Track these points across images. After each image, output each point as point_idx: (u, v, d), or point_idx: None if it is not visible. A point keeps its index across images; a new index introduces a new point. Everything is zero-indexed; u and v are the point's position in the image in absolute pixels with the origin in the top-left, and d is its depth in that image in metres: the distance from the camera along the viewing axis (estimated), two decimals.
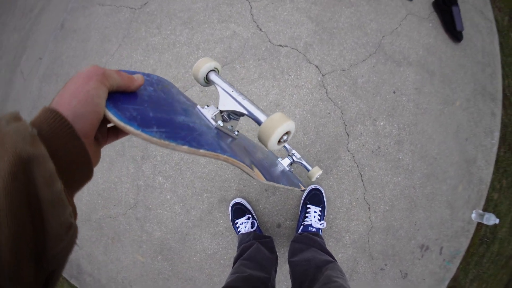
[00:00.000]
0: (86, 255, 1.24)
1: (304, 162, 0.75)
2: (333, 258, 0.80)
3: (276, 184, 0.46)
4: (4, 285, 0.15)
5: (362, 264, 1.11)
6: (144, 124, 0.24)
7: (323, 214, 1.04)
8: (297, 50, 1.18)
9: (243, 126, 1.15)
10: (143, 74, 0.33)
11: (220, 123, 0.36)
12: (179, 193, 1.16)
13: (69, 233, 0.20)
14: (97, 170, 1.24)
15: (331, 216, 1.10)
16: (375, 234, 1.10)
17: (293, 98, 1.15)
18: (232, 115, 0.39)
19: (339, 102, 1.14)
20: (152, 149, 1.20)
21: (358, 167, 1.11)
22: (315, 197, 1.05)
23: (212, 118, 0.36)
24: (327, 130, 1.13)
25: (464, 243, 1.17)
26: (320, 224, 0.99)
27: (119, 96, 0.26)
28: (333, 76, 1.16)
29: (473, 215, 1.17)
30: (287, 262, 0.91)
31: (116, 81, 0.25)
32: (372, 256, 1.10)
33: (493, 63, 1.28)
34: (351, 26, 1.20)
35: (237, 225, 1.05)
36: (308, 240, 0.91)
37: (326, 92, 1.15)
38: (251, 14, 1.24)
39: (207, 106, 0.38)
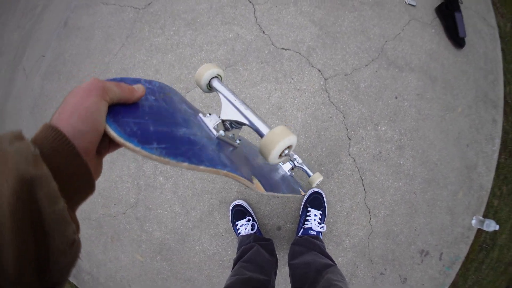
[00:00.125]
0: (85, 253, 1.24)
1: (305, 168, 0.75)
2: (333, 261, 0.80)
3: (276, 194, 0.46)
4: None
5: (362, 268, 1.11)
6: (144, 140, 0.24)
7: (323, 217, 1.04)
8: (300, 53, 1.18)
9: (246, 129, 1.15)
10: (145, 81, 0.33)
11: (222, 132, 0.36)
12: (180, 193, 1.16)
13: (73, 249, 0.20)
14: None
15: (332, 220, 1.10)
16: (375, 239, 1.10)
17: (296, 101, 1.16)
18: (235, 124, 0.38)
19: (341, 106, 1.14)
20: None
21: (359, 171, 1.11)
22: (315, 201, 1.05)
23: (214, 128, 0.36)
24: (329, 134, 1.13)
25: (464, 249, 1.17)
26: (321, 228, 0.99)
27: (120, 108, 0.26)
28: (336, 80, 1.16)
29: (473, 221, 1.17)
30: (287, 264, 0.91)
31: (116, 94, 0.25)
32: (372, 261, 1.10)
33: (495, 70, 1.29)
34: (354, 30, 1.20)
35: (237, 227, 1.05)
36: (308, 243, 0.91)
37: (328, 96, 1.15)
38: (255, 17, 1.24)
39: (209, 114, 0.37)
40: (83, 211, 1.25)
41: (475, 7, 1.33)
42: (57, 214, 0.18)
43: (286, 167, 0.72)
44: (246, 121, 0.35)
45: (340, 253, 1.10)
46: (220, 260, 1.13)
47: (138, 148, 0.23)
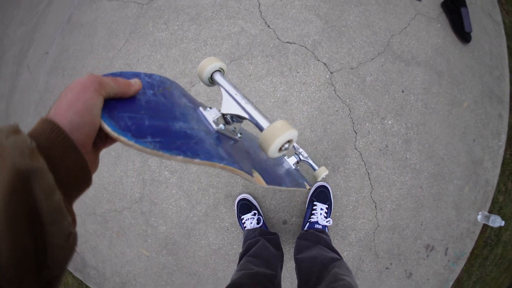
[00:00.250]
0: (91, 248, 1.24)
1: (310, 161, 0.74)
2: (339, 255, 0.80)
3: (278, 187, 0.45)
4: None
5: (367, 262, 1.10)
6: (138, 134, 0.24)
7: (329, 211, 1.04)
8: (305, 47, 1.18)
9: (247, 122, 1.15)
10: (145, 75, 0.33)
11: (222, 126, 0.36)
12: (185, 188, 1.16)
13: (69, 241, 0.20)
14: (103, 164, 1.24)
15: (338, 214, 1.10)
16: (381, 233, 1.10)
17: (301, 95, 1.15)
18: (235, 118, 0.38)
19: (347, 100, 1.14)
20: None
21: (365, 165, 1.11)
22: (321, 194, 1.05)
23: (213, 121, 0.36)
24: (335, 127, 1.13)
25: (469, 244, 1.16)
26: (327, 222, 0.99)
27: (116, 103, 0.26)
28: (342, 74, 1.16)
29: (479, 217, 1.16)
30: (292, 258, 0.91)
31: (112, 88, 0.25)
32: (378, 255, 1.10)
33: (500, 66, 1.28)
34: (360, 24, 1.20)
35: (242, 221, 1.05)
36: (314, 237, 0.91)
37: (334, 90, 1.15)
38: (260, 11, 1.23)
39: (210, 108, 0.37)
40: (88, 206, 1.25)
41: (481, 3, 1.33)
42: (53, 207, 0.18)
43: (291, 161, 0.72)
44: (246, 115, 0.34)
45: (346, 247, 1.10)
46: (226, 254, 1.13)
47: (131, 142, 0.23)
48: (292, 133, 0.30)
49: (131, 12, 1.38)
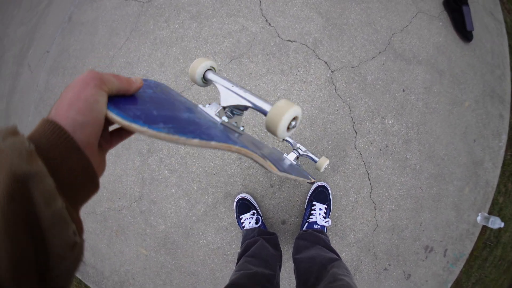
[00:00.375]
0: (90, 247, 1.24)
1: (310, 154, 0.74)
2: (338, 255, 0.80)
3: (289, 175, 0.45)
4: None
5: (366, 263, 1.10)
6: (149, 121, 0.23)
7: (328, 211, 1.04)
8: (306, 45, 1.17)
9: (250, 121, 1.14)
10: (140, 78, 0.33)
11: (225, 118, 0.36)
12: (184, 187, 1.16)
13: (74, 251, 0.19)
14: None
15: (337, 214, 1.09)
16: (380, 234, 1.10)
17: (302, 94, 1.15)
18: (236, 111, 0.38)
19: (348, 99, 1.13)
20: (158, 142, 1.20)
21: (365, 165, 1.10)
22: (321, 194, 1.04)
23: (216, 114, 0.35)
24: (335, 127, 1.12)
25: (469, 246, 1.16)
26: (325, 222, 0.98)
27: (119, 99, 0.25)
28: (342, 72, 1.15)
29: (479, 218, 1.16)
30: (291, 259, 0.91)
31: (114, 85, 0.24)
32: (376, 256, 1.10)
33: (502, 65, 1.27)
34: (361, 22, 1.19)
35: (241, 221, 1.05)
36: (312, 238, 0.90)
37: (335, 89, 1.14)
38: (260, 9, 1.23)
39: (209, 104, 0.37)
40: (87, 205, 1.25)
41: (482, 1, 1.31)
42: (54, 214, 0.17)
43: (291, 157, 0.71)
44: (247, 103, 0.34)
45: (345, 248, 1.10)
46: (224, 254, 1.13)
47: (144, 128, 0.21)
48: (297, 109, 0.29)
49: (131, 10, 1.38)
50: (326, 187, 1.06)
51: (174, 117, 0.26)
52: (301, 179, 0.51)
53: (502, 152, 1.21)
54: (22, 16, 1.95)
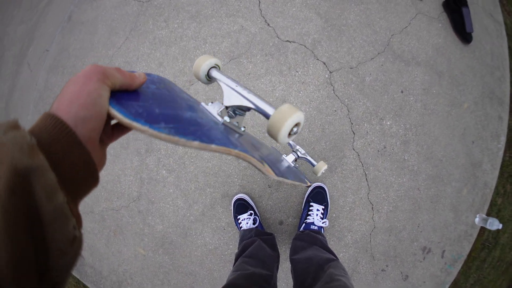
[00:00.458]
0: (88, 247, 1.24)
1: (309, 157, 0.74)
2: (335, 256, 0.80)
3: (285, 180, 0.45)
4: None
5: (363, 264, 1.10)
6: (151, 120, 0.22)
7: (326, 212, 1.04)
8: (305, 46, 1.17)
9: (248, 122, 1.14)
10: (144, 72, 0.33)
11: (227, 118, 0.36)
12: (182, 187, 1.16)
13: (73, 246, 0.19)
14: None
15: (334, 215, 1.09)
16: (377, 235, 1.10)
17: (300, 94, 1.15)
18: (238, 111, 0.38)
19: (346, 100, 1.13)
20: (156, 142, 1.20)
21: (363, 166, 1.10)
22: (318, 195, 1.04)
23: (218, 114, 0.35)
24: (333, 128, 1.12)
25: (467, 247, 1.16)
26: (323, 223, 0.98)
27: (122, 94, 0.25)
28: (341, 73, 1.15)
29: (477, 219, 1.15)
30: (288, 259, 0.91)
31: (117, 79, 0.24)
32: (374, 257, 1.10)
33: (501, 67, 1.27)
34: (360, 23, 1.19)
35: (239, 221, 1.05)
36: (310, 238, 0.90)
37: (333, 90, 1.14)
38: (260, 9, 1.23)
39: (212, 102, 0.37)
40: (86, 205, 1.25)
41: (482, 3, 1.31)
42: (56, 209, 0.17)
43: (290, 158, 0.71)
44: (250, 105, 0.34)
45: (342, 249, 1.10)
46: (222, 254, 1.13)
47: (145, 127, 0.21)
48: (300, 115, 0.29)
49: (131, 10, 1.38)
50: (323, 188, 1.06)
51: (175, 116, 0.26)
52: (297, 183, 0.51)
53: (500, 153, 1.21)
54: (22, 15, 1.96)
